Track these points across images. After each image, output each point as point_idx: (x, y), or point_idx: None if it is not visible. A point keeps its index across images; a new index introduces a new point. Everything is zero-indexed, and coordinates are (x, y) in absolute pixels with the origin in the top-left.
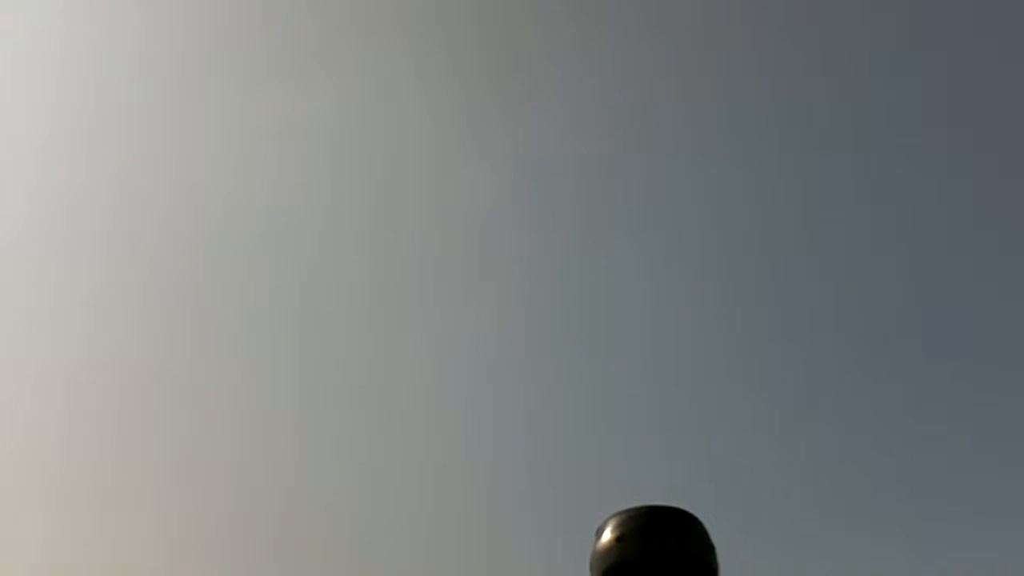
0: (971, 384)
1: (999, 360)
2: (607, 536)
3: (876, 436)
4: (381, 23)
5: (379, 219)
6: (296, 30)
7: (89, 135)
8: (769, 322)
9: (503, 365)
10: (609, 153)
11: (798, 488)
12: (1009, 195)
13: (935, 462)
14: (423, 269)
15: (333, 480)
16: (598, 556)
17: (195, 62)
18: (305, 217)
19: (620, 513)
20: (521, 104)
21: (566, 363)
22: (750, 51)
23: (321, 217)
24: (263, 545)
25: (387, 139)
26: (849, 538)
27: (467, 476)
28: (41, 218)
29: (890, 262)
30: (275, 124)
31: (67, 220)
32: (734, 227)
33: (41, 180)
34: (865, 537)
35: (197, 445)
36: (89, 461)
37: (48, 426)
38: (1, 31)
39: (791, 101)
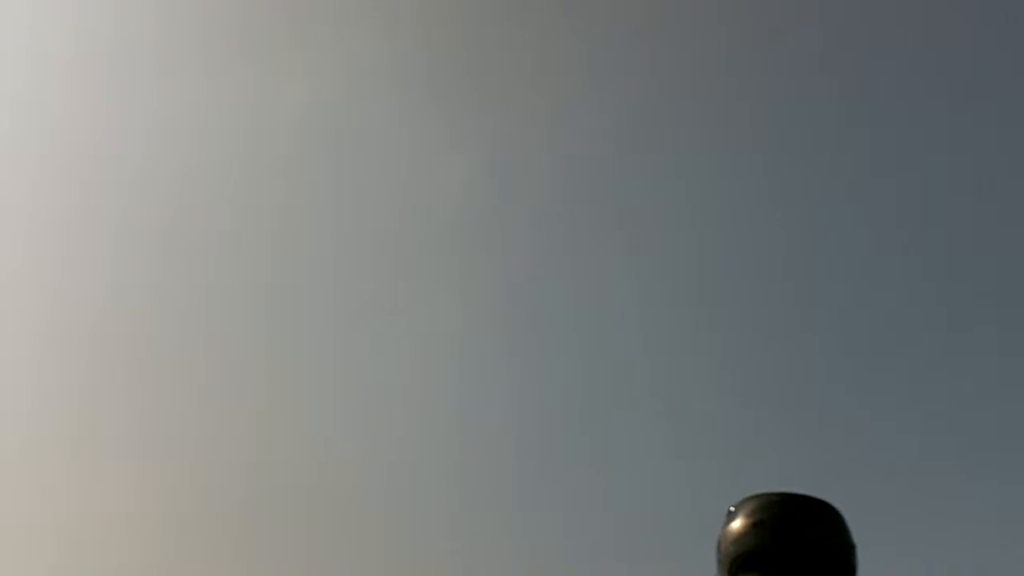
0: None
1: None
2: (743, 520)
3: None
4: (356, 12)
5: (347, 211)
6: (271, 15)
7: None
8: (744, 325)
9: (470, 363)
10: (586, 152)
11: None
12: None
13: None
14: (392, 263)
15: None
16: (731, 540)
17: (166, 40)
18: (272, 204)
19: (757, 497)
20: (498, 101)
21: (533, 364)
22: (747, 51)
23: (288, 205)
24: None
25: (358, 129)
26: None
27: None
28: None
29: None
30: (245, 107)
31: None
32: (711, 231)
33: None
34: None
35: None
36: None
37: None
38: None
39: (782, 102)
